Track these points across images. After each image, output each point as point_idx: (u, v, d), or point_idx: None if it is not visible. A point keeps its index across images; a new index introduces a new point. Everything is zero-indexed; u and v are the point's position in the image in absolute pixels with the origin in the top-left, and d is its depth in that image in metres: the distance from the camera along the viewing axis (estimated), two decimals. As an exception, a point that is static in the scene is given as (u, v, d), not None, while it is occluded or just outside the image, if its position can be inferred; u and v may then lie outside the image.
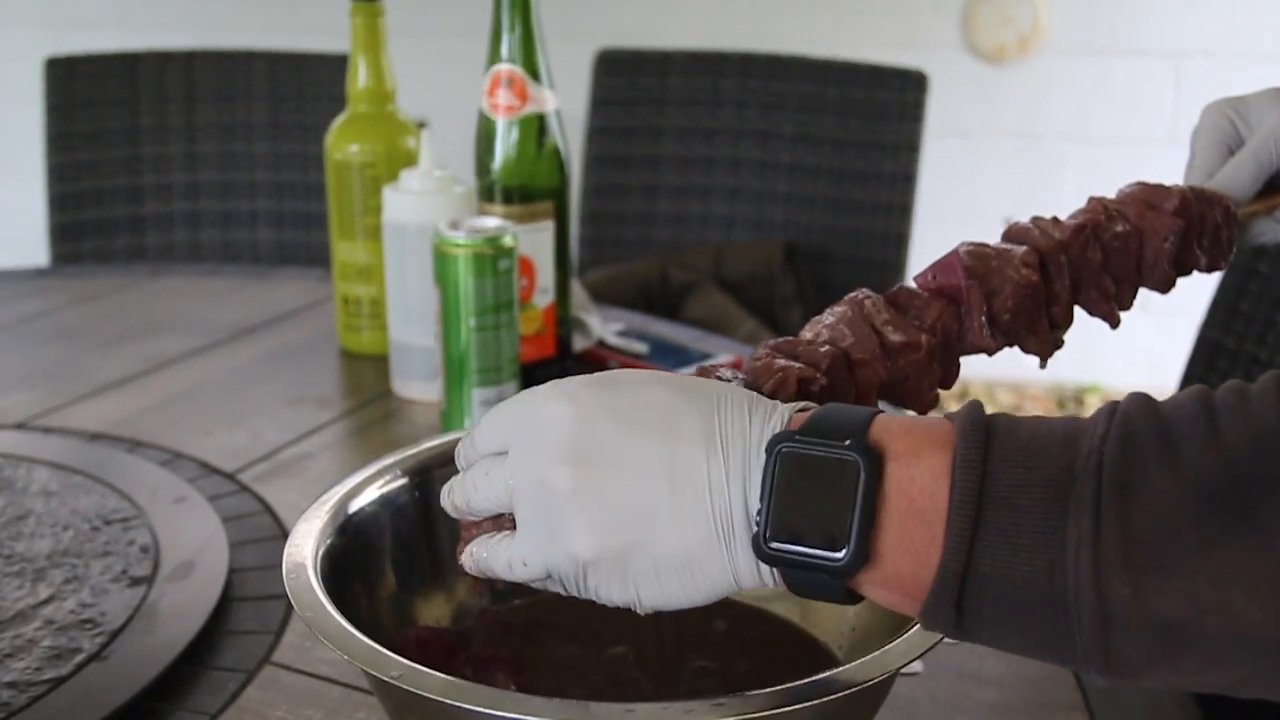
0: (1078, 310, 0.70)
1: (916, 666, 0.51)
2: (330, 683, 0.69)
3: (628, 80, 1.84)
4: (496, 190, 1.03)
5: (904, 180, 1.72)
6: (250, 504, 0.88)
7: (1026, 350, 0.68)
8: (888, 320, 0.62)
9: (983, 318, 0.64)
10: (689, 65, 1.83)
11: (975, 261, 0.65)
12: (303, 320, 1.27)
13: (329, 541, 0.61)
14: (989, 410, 0.46)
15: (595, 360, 1.11)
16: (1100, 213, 0.70)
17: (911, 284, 0.65)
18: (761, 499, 0.46)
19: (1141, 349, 2.81)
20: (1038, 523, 0.43)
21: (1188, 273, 0.74)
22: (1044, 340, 0.68)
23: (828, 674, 0.50)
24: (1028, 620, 0.43)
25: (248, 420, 1.02)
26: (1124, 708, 0.67)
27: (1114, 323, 0.71)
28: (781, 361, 0.59)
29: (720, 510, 0.47)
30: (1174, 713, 0.66)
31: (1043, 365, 0.69)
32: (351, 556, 0.63)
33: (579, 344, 1.11)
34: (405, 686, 0.50)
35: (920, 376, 0.62)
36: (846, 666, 0.50)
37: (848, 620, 0.63)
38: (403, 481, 0.67)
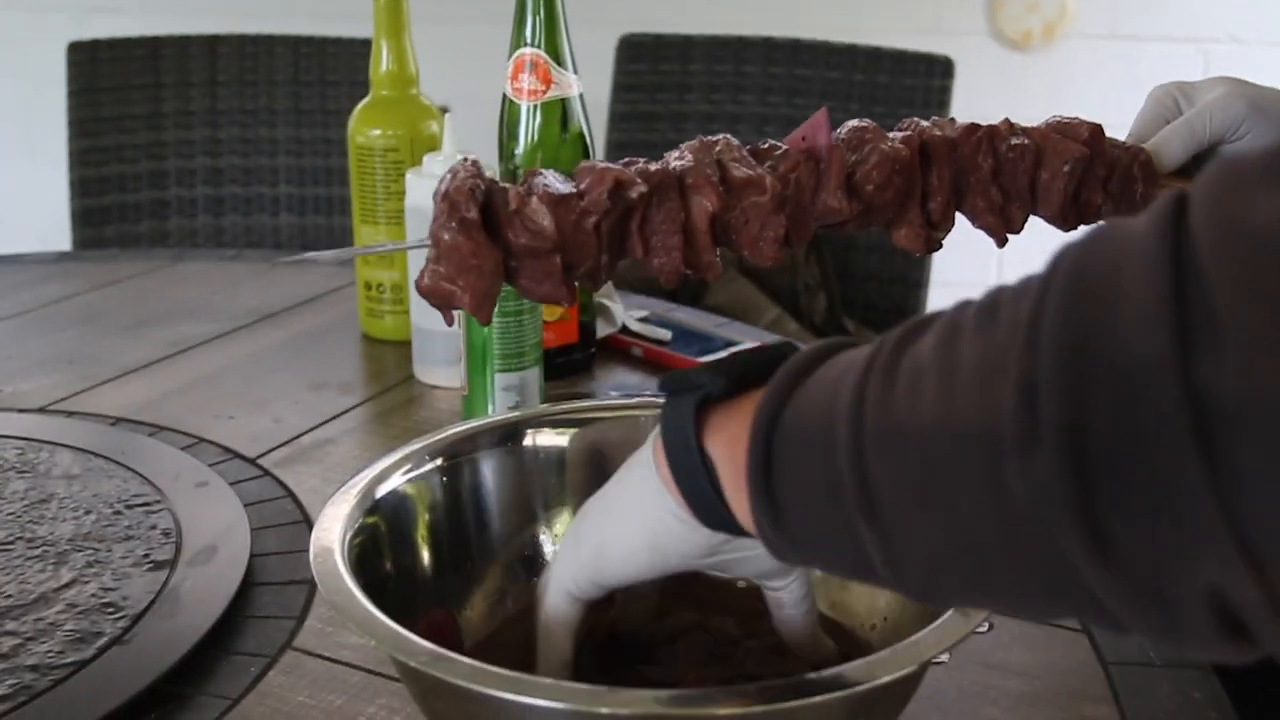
0: None
1: (943, 655, 0.50)
2: (352, 668, 0.68)
3: (650, 66, 1.83)
4: (520, 175, 1.02)
5: (929, 167, 1.71)
6: (272, 489, 0.88)
7: (898, 242, 0.67)
8: (737, 159, 0.61)
9: (842, 179, 0.62)
10: (712, 50, 1.82)
11: (850, 133, 0.64)
12: (325, 305, 1.26)
13: (356, 525, 0.61)
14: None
15: (618, 346, 1.10)
16: (1004, 125, 0.69)
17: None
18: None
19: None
20: (839, 372, 0.44)
21: (1093, 215, 0.72)
22: (916, 233, 0.66)
23: (860, 662, 0.49)
24: (810, 463, 0.43)
25: (269, 405, 1.02)
26: (1153, 699, 0.66)
27: (999, 240, 0.70)
28: (604, 165, 0.58)
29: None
30: (1204, 707, 0.65)
31: (915, 252, 0.68)
32: (379, 541, 0.63)
33: (602, 330, 1.10)
34: (432, 672, 0.49)
35: (762, 224, 0.60)
36: (879, 655, 0.50)
37: (879, 610, 0.62)
38: (430, 466, 0.67)
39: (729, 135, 0.62)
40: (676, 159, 0.60)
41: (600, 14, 2.22)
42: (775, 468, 0.44)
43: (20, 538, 0.79)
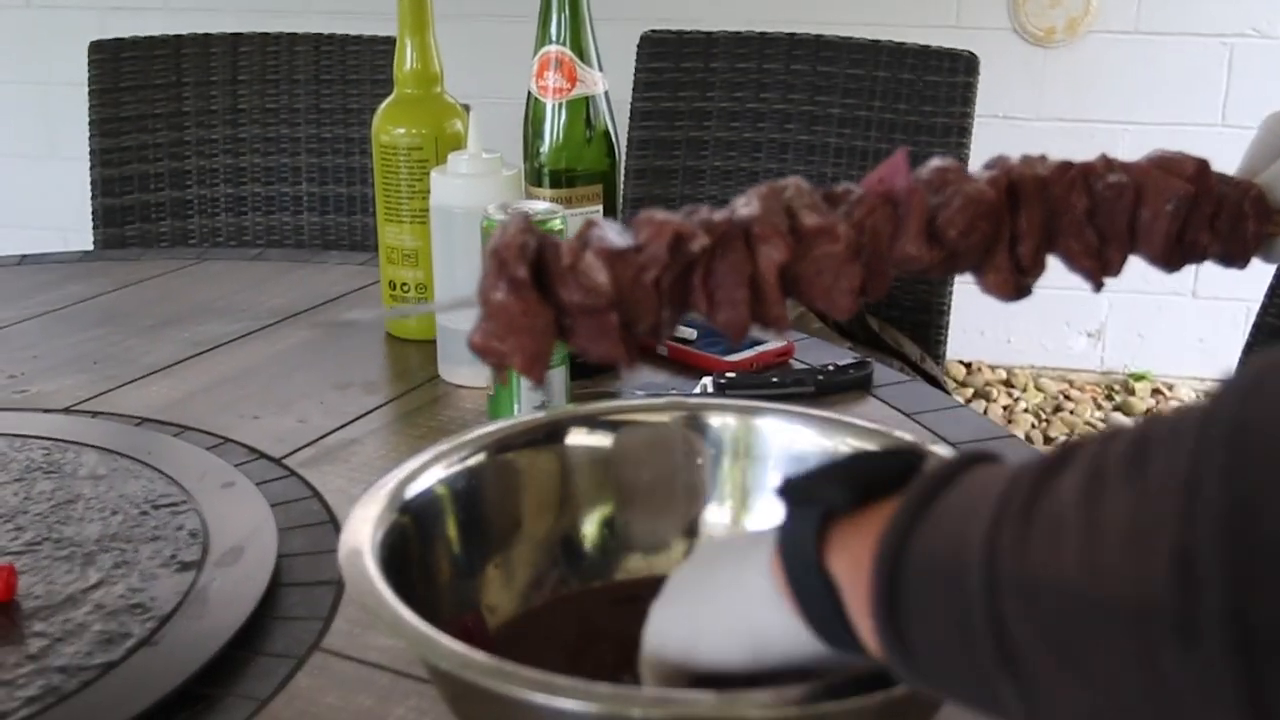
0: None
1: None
2: (381, 669, 0.68)
3: (672, 62, 1.82)
4: (545, 173, 1.02)
5: (953, 164, 1.69)
6: (298, 489, 0.88)
7: (985, 286, 0.63)
8: (808, 205, 0.56)
9: (922, 225, 0.58)
10: (734, 47, 1.81)
11: (931, 173, 0.60)
12: (349, 304, 1.26)
13: (386, 527, 0.60)
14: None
15: (642, 346, 1.09)
16: (1101, 162, 0.64)
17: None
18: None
19: (1192, 336, 2.77)
20: (970, 502, 0.41)
21: (1198, 256, 0.67)
22: (1004, 279, 0.62)
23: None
24: (939, 602, 0.40)
25: (295, 405, 1.02)
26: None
27: (1096, 284, 0.65)
28: (663, 215, 0.54)
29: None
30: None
31: (1004, 299, 0.63)
32: (408, 542, 0.62)
33: (627, 329, 1.09)
34: (464, 674, 0.49)
35: (836, 274, 0.56)
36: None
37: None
38: (459, 467, 0.66)
39: (800, 179, 0.58)
40: (743, 206, 0.56)
41: (621, 10, 2.22)
42: (902, 604, 0.42)
43: (48, 538, 0.79)
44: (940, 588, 0.41)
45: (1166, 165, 0.65)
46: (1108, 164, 0.65)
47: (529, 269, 0.53)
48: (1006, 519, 0.39)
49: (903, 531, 0.42)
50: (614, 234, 0.55)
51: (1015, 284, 0.62)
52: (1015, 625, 0.38)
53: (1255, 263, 0.71)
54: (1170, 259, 0.66)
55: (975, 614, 0.39)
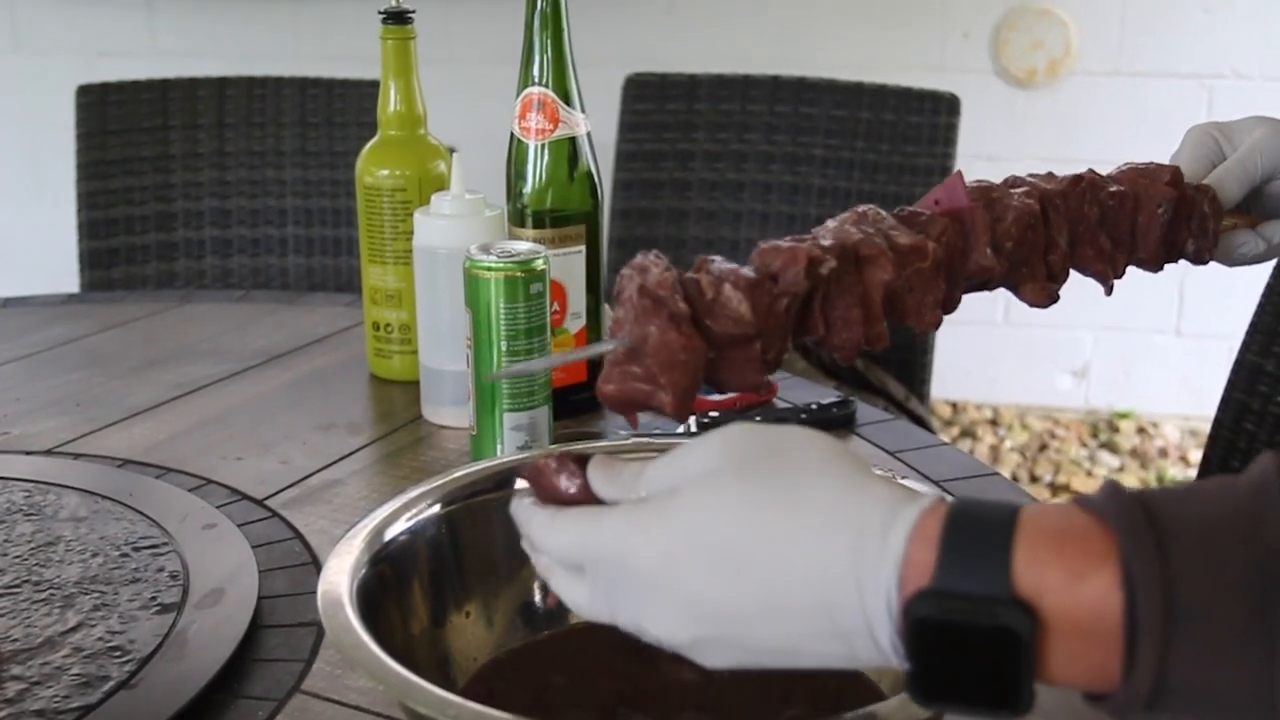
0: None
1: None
2: (361, 711, 0.67)
3: (656, 105, 1.83)
4: (528, 214, 1.02)
5: (936, 204, 1.70)
6: (280, 530, 0.87)
7: (1023, 297, 0.67)
8: (893, 226, 0.60)
9: (987, 238, 0.63)
10: (717, 89, 1.82)
11: (978, 192, 0.65)
12: (332, 346, 1.26)
13: (363, 573, 0.60)
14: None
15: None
16: (1093, 175, 0.71)
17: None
18: (907, 659, 0.44)
19: (1176, 374, 2.78)
20: (1236, 633, 0.41)
21: (1177, 256, 0.74)
22: (1040, 287, 0.67)
23: (893, 700, 0.48)
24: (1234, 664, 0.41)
25: (278, 446, 1.02)
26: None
27: (1108, 286, 0.71)
28: (789, 242, 0.56)
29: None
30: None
31: (1040, 306, 0.68)
32: (385, 587, 0.62)
33: (610, 369, 1.10)
34: (439, 718, 0.49)
35: (925, 290, 0.60)
36: (898, 698, 0.49)
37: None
38: (435, 510, 0.66)
39: (875, 206, 0.61)
40: (839, 231, 0.58)
41: (606, 54, 2.23)
42: (1164, 710, 0.42)
43: (27, 580, 0.78)
44: (1226, 715, 0.41)
45: (1149, 174, 0.72)
46: (1101, 177, 0.71)
47: (685, 303, 0.53)
48: None
49: (1150, 671, 0.41)
50: (730, 265, 0.56)
51: (1048, 291, 0.67)
52: None
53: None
54: (1158, 259, 0.73)
55: None
